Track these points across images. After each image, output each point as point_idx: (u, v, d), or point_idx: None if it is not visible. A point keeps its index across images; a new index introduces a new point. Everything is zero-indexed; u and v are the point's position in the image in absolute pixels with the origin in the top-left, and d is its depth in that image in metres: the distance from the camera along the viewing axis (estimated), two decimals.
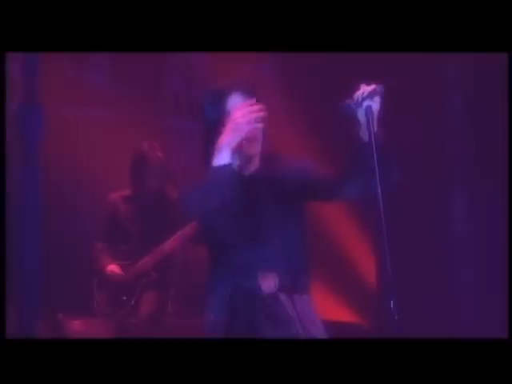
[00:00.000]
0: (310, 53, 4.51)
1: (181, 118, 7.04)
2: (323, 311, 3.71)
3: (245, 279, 3.37)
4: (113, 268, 5.61)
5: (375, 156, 2.99)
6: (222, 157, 3.28)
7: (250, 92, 3.42)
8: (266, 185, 3.48)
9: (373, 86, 3.13)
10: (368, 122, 3.08)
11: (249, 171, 3.53)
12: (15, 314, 2.52)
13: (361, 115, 3.13)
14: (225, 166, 3.28)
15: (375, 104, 3.13)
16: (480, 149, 6.10)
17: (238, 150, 3.37)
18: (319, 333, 3.46)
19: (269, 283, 3.38)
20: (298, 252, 3.48)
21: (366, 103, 3.10)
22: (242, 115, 3.25)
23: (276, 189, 3.46)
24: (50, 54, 3.18)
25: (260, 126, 3.33)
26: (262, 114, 3.28)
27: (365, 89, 3.14)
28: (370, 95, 3.11)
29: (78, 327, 5.66)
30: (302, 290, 3.47)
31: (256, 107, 3.28)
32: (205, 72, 6.82)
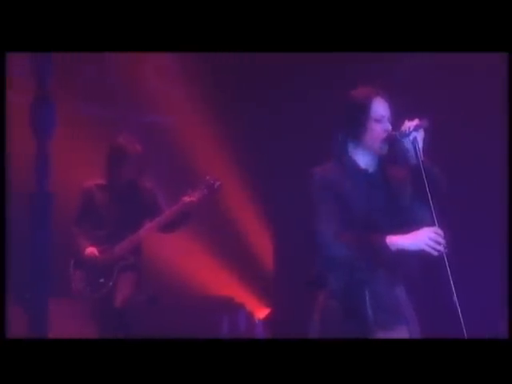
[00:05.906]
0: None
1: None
2: None
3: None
4: (92, 250, 5.85)
5: (424, 176, 3.61)
6: None
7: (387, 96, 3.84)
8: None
9: (417, 121, 3.69)
10: (415, 149, 3.68)
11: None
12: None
13: (407, 144, 3.71)
14: None
15: (419, 135, 3.71)
16: (479, 150, 6.08)
17: None
18: (411, 316, 3.73)
19: None
20: None
21: (412, 135, 3.68)
22: (430, 239, 3.55)
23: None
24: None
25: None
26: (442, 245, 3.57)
27: (410, 123, 3.70)
28: (416, 128, 3.68)
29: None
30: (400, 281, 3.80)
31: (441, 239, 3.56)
32: None
